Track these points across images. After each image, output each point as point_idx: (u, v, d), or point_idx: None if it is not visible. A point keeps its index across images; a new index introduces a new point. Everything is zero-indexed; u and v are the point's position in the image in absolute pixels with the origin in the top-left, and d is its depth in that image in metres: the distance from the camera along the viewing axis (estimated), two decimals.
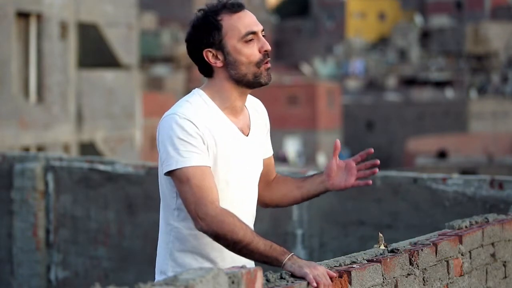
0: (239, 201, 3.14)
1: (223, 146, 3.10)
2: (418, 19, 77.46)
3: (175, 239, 3.14)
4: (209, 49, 3.12)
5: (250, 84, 3.14)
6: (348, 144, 52.97)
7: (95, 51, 22.35)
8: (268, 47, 3.14)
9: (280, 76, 58.52)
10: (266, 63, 3.14)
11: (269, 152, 3.40)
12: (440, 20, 76.16)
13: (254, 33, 3.11)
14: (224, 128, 3.12)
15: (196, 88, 3.20)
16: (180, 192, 3.03)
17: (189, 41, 3.16)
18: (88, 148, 21.66)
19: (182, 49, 54.67)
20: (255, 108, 3.31)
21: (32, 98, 20.48)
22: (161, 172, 3.11)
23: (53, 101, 20.81)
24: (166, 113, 3.09)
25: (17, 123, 19.76)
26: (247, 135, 3.20)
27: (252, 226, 3.22)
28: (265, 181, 3.41)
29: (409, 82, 65.37)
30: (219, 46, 3.11)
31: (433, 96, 58.59)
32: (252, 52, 3.11)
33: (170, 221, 3.15)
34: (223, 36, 3.10)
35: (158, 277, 3.19)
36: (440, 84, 63.98)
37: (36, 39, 20.39)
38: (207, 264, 3.12)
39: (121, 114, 23.08)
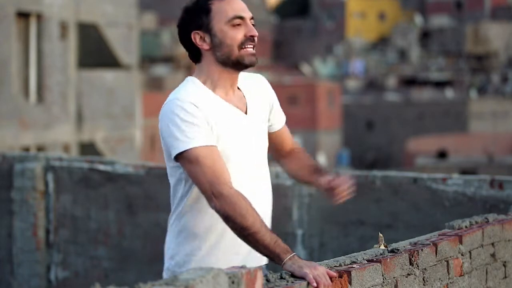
0: (248, 178, 3.16)
1: (224, 125, 3.12)
2: (418, 19, 77.44)
3: (182, 225, 3.18)
4: (197, 31, 3.17)
5: (234, 65, 3.17)
6: (348, 144, 52.97)
7: (95, 51, 22.35)
8: (254, 32, 3.17)
9: (280, 76, 58.50)
10: (249, 47, 3.16)
11: (280, 121, 3.41)
12: (440, 20, 76.14)
13: (241, 18, 3.16)
14: (222, 108, 3.15)
15: (189, 76, 3.23)
16: (191, 173, 3.04)
17: (180, 25, 3.22)
18: (88, 148, 21.65)
19: (182, 49, 54.61)
20: (250, 85, 3.31)
21: (32, 98, 20.48)
22: (167, 160, 3.12)
23: (53, 101, 20.81)
24: (165, 101, 3.12)
25: (17, 123, 19.76)
26: (245, 113, 3.22)
27: (265, 203, 3.24)
28: (279, 150, 3.44)
29: (409, 82, 65.34)
30: (207, 29, 3.16)
31: (433, 96, 58.57)
32: (236, 35, 3.15)
33: (179, 208, 3.18)
34: (211, 19, 3.15)
35: (167, 263, 3.25)
36: (440, 84, 63.94)
37: (36, 39, 20.39)
38: (213, 250, 3.15)
39: (121, 114, 23.08)
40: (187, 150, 3.01)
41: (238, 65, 3.17)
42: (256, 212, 2.99)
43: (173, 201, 3.22)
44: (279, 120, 3.41)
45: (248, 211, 2.96)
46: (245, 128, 3.19)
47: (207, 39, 3.16)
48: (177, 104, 3.05)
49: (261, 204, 3.20)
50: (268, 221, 3.26)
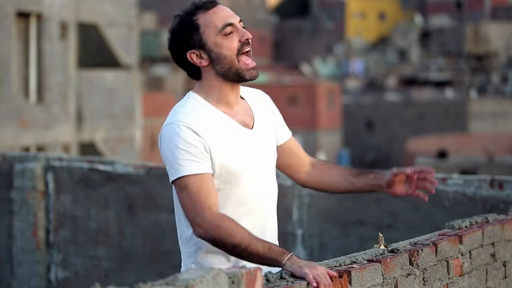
0: (253, 195, 3.14)
1: (224, 143, 3.09)
2: (418, 19, 77.42)
3: (197, 242, 3.13)
4: (192, 51, 3.14)
5: (235, 79, 3.14)
6: (348, 144, 52.96)
7: (95, 51, 22.35)
8: (248, 35, 3.14)
9: (280, 76, 58.48)
10: (246, 57, 3.13)
11: (286, 134, 3.37)
12: (440, 20, 76.12)
13: (231, 24, 3.12)
14: (225, 126, 3.12)
15: (190, 92, 3.20)
16: (179, 199, 3.06)
17: (172, 47, 3.20)
18: (88, 148, 21.65)
19: None
20: (255, 98, 3.30)
21: (32, 98, 20.48)
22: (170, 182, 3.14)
23: (53, 101, 20.81)
24: (165, 123, 3.11)
25: (17, 123, 19.76)
26: (251, 128, 3.19)
27: (271, 219, 3.22)
28: (298, 165, 3.39)
29: (409, 82, 65.33)
30: (201, 45, 3.12)
31: (433, 96, 58.55)
32: (232, 43, 3.11)
33: (189, 226, 3.12)
34: (202, 34, 3.12)
35: None
36: (440, 84, 63.94)
37: (36, 39, 20.39)
38: (231, 263, 3.13)
39: (121, 114, 23.08)
40: (178, 178, 3.03)
41: (239, 79, 3.15)
42: (242, 227, 2.98)
43: (180, 220, 3.17)
44: (285, 131, 3.38)
45: (233, 229, 2.96)
46: (250, 144, 3.15)
47: (204, 55, 3.13)
48: (175, 130, 3.04)
49: (267, 218, 3.19)
50: (274, 235, 3.24)
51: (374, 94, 60.68)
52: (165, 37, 53.58)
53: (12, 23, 19.56)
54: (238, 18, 3.16)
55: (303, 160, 3.42)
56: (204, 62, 3.14)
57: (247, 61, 3.14)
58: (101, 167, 6.33)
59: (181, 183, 3.03)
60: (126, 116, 23.28)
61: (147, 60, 50.33)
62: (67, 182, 6.45)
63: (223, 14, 3.13)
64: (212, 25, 3.11)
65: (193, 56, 3.14)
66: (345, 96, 56.75)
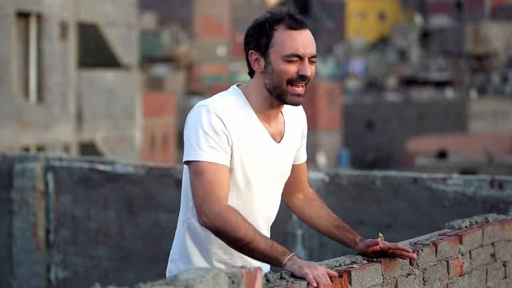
0: (258, 202, 3.17)
1: (249, 146, 3.12)
2: (418, 19, 77.44)
3: (187, 230, 3.19)
4: (254, 52, 3.15)
5: (277, 98, 3.15)
6: (348, 144, 52.95)
7: (95, 51, 22.35)
8: (306, 72, 3.10)
9: None
10: (296, 86, 3.11)
11: (302, 158, 3.40)
12: (440, 20, 76.14)
13: (298, 56, 3.10)
14: (254, 130, 3.14)
15: (235, 86, 3.21)
16: (192, 183, 3.07)
17: (245, 36, 3.20)
18: (88, 148, 21.66)
19: (182, 49, 54.66)
20: (294, 115, 3.31)
21: (32, 98, 20.48)
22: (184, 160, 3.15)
23: (53, 101, 20.81)
24: (198, 103, 3.12)
25: (17, 123, 19.76)
26: (278, 142, 3.21)
27: (267, 228, 3.27)
28: (295, 189, 3.41)
29: (409, 82, 65.33)
30: (263, 53, 3.13)
31: (433, 96, 58.55)
32: (288, 69, 3.10)
33: (185, 211, 3.19)
34: (271, 46, 3.11)
35: (169, 265, 3.28)
36: (440, 84, 63.93)
37: (36, 39, 20.39)
38: (214, 259, 3.15)
39: (121, 114, 23.08)
40: (195, 161, 3.04)
41: (280, 100, 3.14)
42: (247, 222, 2.99)
43: (182, 202, 3.21)
44: (302, 155, 3.40)
45: (239, 223, 2.97)
46: (271, 156, 3.18)
47: (261, 63, 3.13)
48: (205, 114, 3.06)
49: (261, 230, 3.19)
50: None
51: (374, 94, 60.67)
52: (165, 37, 53.64)
53: (12, 23, 19.56)
54: (311, 52, 3.12)
55: (301, 187, 3.44)
56: (258, 69, 3.15)
57: (296, 88, 3.12)
58: (101, 167, 6.33)
59: (197, 167, 3.04)
60: (126, 116, 23.28)
61: (147, 60, 50.33)
62: (67, 182, 6.45)
63: (298, 41, 3.11)
64: (282, 46, 3.10)
65: (252, 57, 3.16)
66: (345, 96, 56.74)
